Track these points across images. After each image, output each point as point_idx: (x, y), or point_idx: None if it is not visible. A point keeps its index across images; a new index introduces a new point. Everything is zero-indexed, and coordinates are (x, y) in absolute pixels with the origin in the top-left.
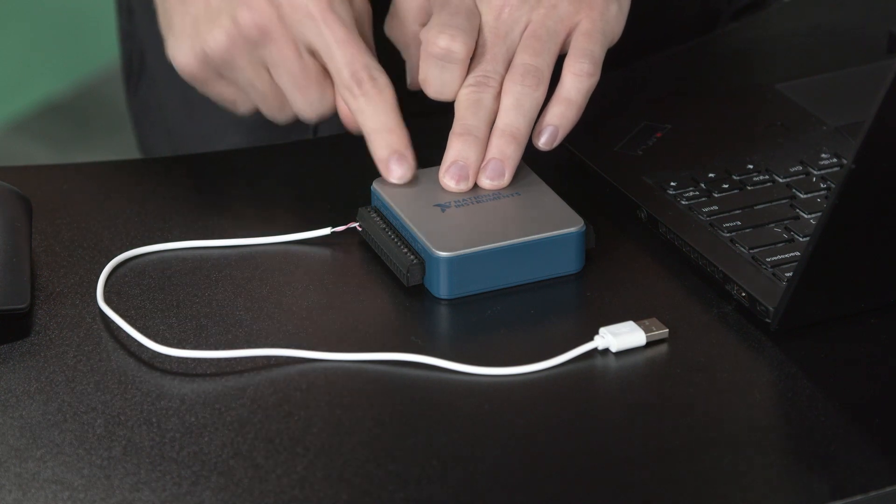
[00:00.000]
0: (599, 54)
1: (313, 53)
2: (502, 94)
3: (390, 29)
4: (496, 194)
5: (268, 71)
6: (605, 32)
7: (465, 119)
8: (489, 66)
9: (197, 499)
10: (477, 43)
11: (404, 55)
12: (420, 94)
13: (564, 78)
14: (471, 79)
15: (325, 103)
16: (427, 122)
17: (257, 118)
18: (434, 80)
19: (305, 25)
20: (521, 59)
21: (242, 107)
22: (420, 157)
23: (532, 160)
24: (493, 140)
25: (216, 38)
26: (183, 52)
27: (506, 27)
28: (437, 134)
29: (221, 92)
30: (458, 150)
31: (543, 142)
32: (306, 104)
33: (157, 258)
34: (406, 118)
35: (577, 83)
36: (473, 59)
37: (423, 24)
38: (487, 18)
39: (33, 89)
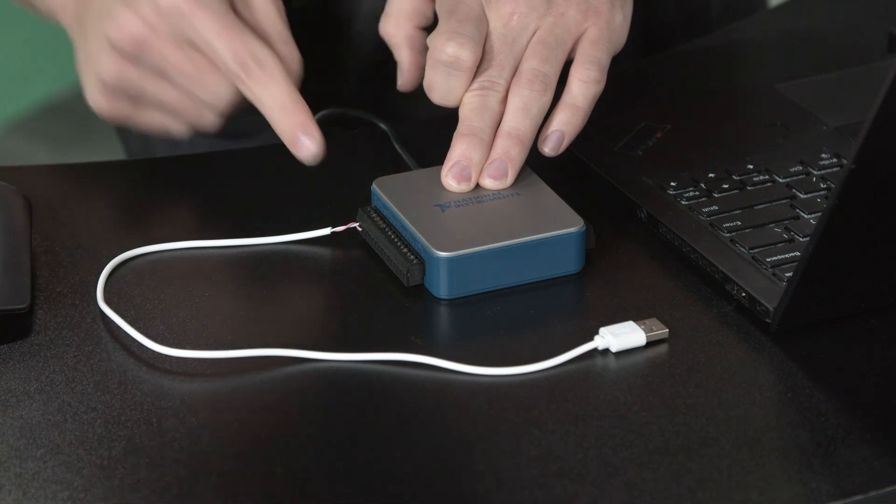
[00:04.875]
0: (606, 61)
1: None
2: (509, 98)
3: (384, 29)
4: (496, 194)
5: (166, 78)
6: (612, 40)
7: (471, 120)
8: (495, 71)
9: (197, 499)
10: (484, 49)
11: (396, 56)
12: (408, 95)
13: (571, 84)
14: (476, 83)
15: (228, 90)
16: (428, 123)
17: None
18: (440, 87)
19: (178, 24)
20: (528, 65)
21: (173, 127)
22: (421, 157)
23: (532, 160)
24: (497, 141)
25: (103, 65)
26: (90, 92)
27: (514, 34)
28: (438, 134)
29: (147, 120)
30: (461, 150)
31: (550, 148)
32: (211, 96)
33: (157, 258)
34: (404, 119)
35: (584, 89)
36: (480, 65)
37: (418, 27)
38: (496, 25)
39: (33, 89)
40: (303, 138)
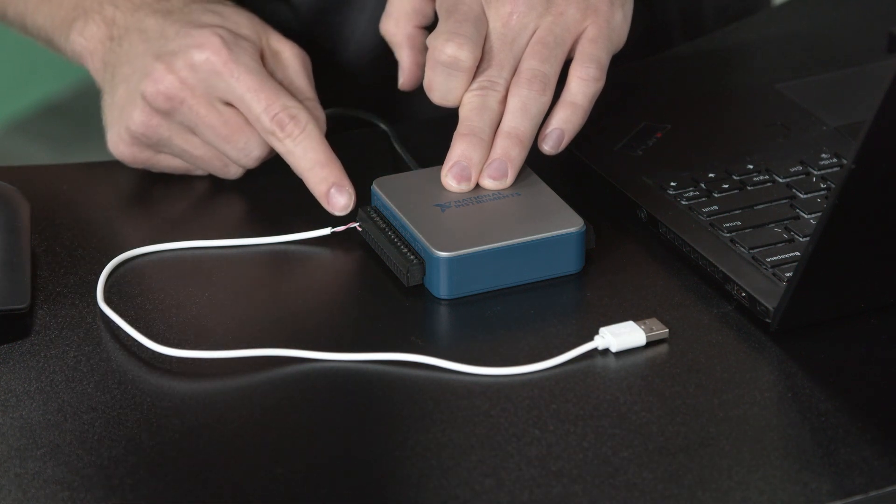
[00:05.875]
0: (605, 60)
1: (230, 104)
2: (508, 97)
3: (385, 28)
4: (496, 194)
5: (195, 133)
6: (611, 39)
7: (471, 120)
8: (495, 71)
9: (197, 499)
10: (484, 49)
11: (397, 55)
12: (409, 94)
13: (570, 82)
14: (476, 83)
15: (257, 146)
16: (428, 123)
17: None
18: (439, 87)
19: (212, 81)
20: (528, 65)
21: (195, 172)
22: (421, 157)
23: (532, 160)
24: (497, 141)
25: (134, 118)
26: (114, 141)
27: (513, 34)
28: (438, 134)
29: (168, 165)
30: (461, 150)
31: (549, 146)
32: (239, 153)
33: (157, 258)
34: (404, 117)
35: (584, 87)
36: (480, 65)
37: (418, 26)
38: (495, 25)
39: (33, 89)
40: (335, 195)
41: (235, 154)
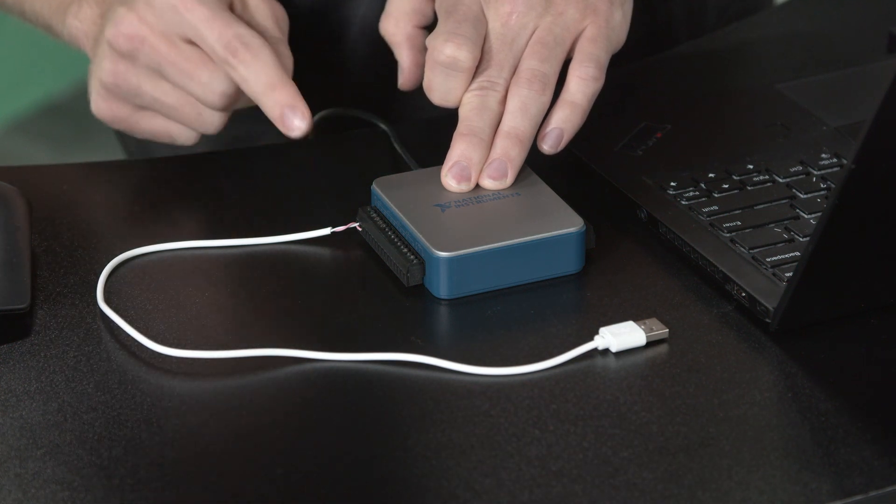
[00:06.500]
0: (604, 59)
1: (191, 42)
2: (508, 97)
3: (384, 28)
4: (496, 194)
5: (162, 76)
6: (610, 38)
7: (471, 120)
8: (495, 71)
9: (197, 499)
10: (483, 49)
11: (397, 55)
12: (408, 94)
13: (569, 82)
14: (476, 83)
15: (220, 81)
16: (428, 123)
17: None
18: (439, 87)
19: (169, 18)
20: (527, 65)
21: (175, 131)
22: (421, 157)
23: (532, 160)
24: (497, 141)
25: (103, 67)
26: (94, 100)
27: (512, 34)
28: (438, 134)
29: (149, 125)
30: (461, 150)
31: (549, 145)
32: (203, 88)
33: (157, 258)
34: (400, 119)
35: (583, 87)
36: (479, 65)
37: (418, 26)
38: (494, 25)
39: (33, 89)
40: (290, 115)
41: (201, 91)
